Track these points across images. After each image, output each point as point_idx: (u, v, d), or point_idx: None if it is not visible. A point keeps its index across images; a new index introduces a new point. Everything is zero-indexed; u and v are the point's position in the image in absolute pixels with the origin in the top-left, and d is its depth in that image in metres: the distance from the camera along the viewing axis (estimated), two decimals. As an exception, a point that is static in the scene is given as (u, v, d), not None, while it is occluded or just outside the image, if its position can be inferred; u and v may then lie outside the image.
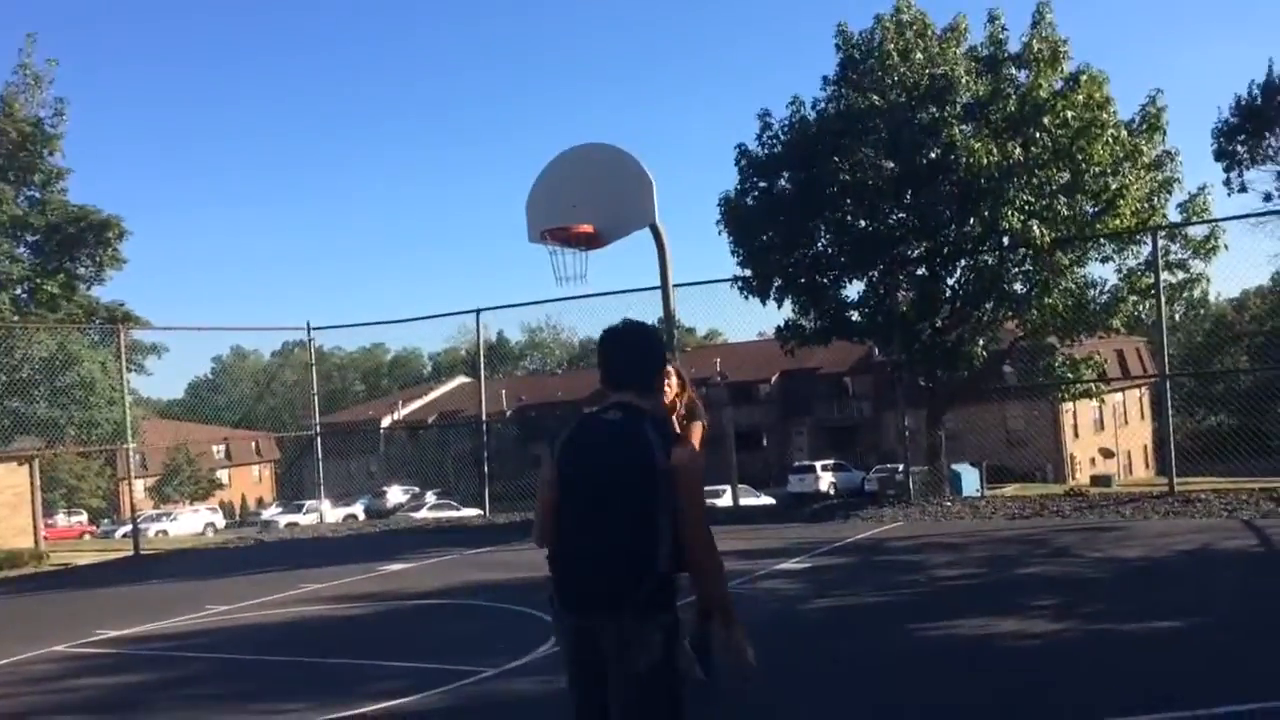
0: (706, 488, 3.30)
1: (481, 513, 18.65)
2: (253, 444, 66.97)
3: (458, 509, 33.41)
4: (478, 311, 18.04)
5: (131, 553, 17.53)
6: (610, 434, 3.19)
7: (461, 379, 69.48)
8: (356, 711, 6.26)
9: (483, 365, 18.88)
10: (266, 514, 46.22)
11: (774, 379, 53.71)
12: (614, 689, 3.14)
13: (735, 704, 5.34)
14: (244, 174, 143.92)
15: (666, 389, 4.97)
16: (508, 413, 58.07)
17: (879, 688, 6.05)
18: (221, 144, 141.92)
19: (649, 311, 15.04)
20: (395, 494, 46.68)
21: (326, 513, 24.81)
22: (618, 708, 3.15)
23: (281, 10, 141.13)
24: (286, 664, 7.83)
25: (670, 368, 4.82)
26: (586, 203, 12.50)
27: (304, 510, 38.98)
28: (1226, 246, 16.20)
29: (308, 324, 19.73)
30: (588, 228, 12.34)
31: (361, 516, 36.52)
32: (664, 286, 13.60)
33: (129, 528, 18.44)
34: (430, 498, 42.00)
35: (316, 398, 20.23)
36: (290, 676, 7.44)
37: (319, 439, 20.45)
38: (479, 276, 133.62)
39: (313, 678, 7.31)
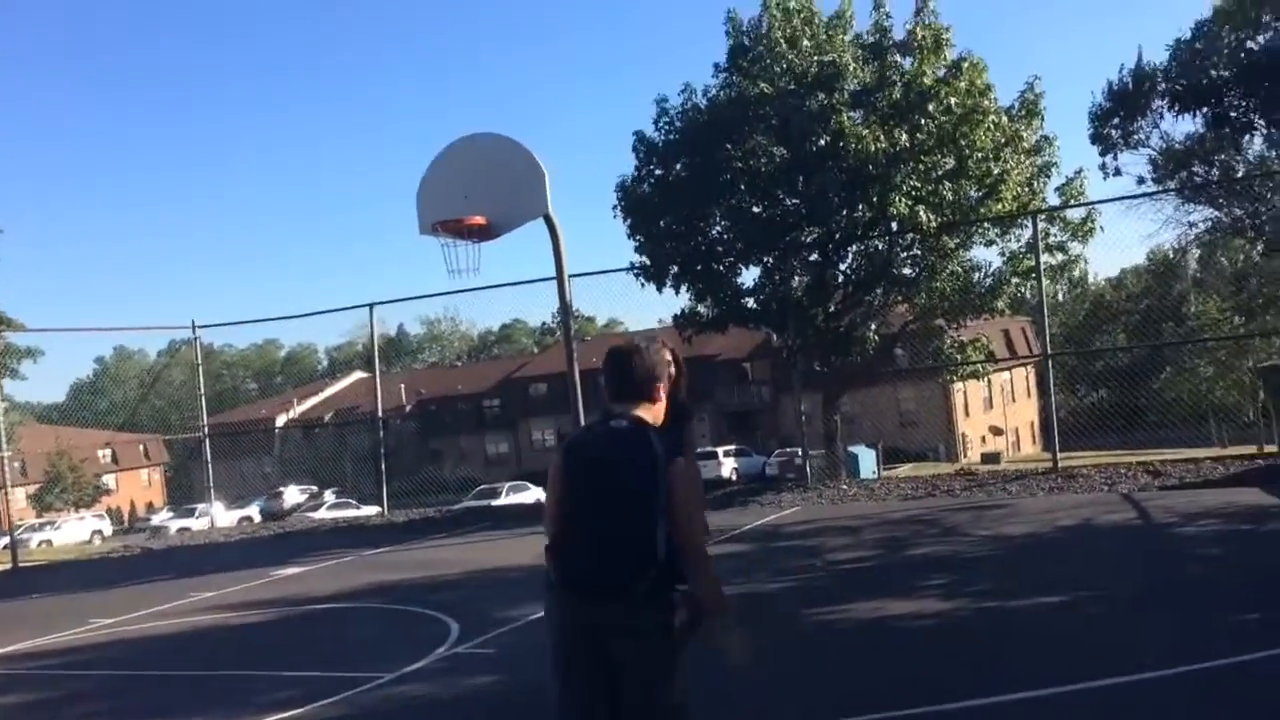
0: None
1: (380, 511, 18.33)
2: (140, 447, 64.72)
3: (357, 508, 32.85)
4: (370, 306, 17.72)
5: (10, 566, 16.77)
6: (617, 439, 3.48)
7: (359, 374, 68.25)
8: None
9: (377, 361, 18.53)
10: (157, 519, 44.74)
11: (674, 366, 53.94)
12: (624, 672, 3.36)
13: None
14: (124, 171, 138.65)
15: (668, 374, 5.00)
16: (407, 407, 57.31)
17: (774, 674, 6.10)
18: (98, 140, 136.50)
19: (547, 301, 14.93)
20: (292, 494, 45.68)
21: (219, 516, 24.10)
22: (628, 689, 3.36)
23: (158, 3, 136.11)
24: (173, 678, 7.56)
25: (667, 351, 4.82)
26: (478, 194, 12.30)
27: (196, 514, 37.80)
28: (1102, 228, 16.83)
29: (193, 322, 19.14)
30: (480, 219, 12.15)
31: (257, 519, 35.66)
32: (559, 277, 13.49)
33: (7, 539, 17.62)
34: (329, 497, 41.21)
35: (204, 398, 19.59)
36: (177, 691, 7.19)
37: (207, 441, 19.85)
38: (374, 270, 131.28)
39: (200, 691, 7.07)
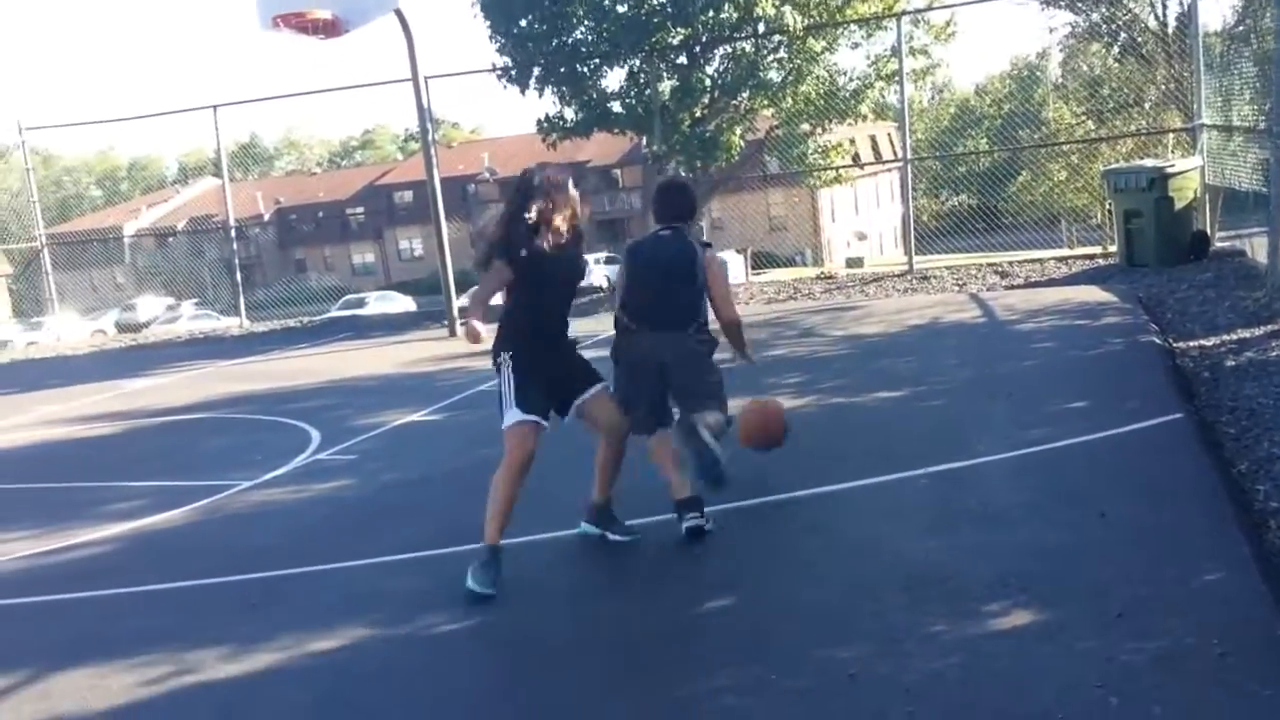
0: None
1: (239, 322, 17.86)
2: (-21, 259, 61.08)
3: (218, 319, 31.94)
4: (215, 107, 16.67)
5: None
6: (668, 241, 5.03)
7: (212, 180, 65.12)
8: (94, 536, 6.01)
9: (225, 166, 17.59)
10: (1, 333, 42.75)
11: (544, 173, 52.96)
12: (676, 370, 4.97)
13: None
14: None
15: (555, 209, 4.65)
16: (265, 216, 55.29)
17: (634, 472, 6.29)
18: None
19: (406, 104, 14.34)
20: (148, 306, 44.09)
21: (68, 329, 23.20)
22: (680, 375, 5.00)
23: None
24: (14, 492, 7.39)
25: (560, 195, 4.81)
26: (322, -15, 11.55)
27: (45, 328, 36.27)
28: (957, 32, 16.86)
29: (19, 124, 17.78)
30: (325, 14, 11.44)
31: (112, 331, 34.45)
32: (414, 78, 12.93)
33: None
34: (188, 308, 39.92)
35: (38, 206, 18.45)
36: (19, 505, 7.03)
37: (45, 251, 18.83)
38: (222, 70, 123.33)
39: (44, 505, 6.93)
